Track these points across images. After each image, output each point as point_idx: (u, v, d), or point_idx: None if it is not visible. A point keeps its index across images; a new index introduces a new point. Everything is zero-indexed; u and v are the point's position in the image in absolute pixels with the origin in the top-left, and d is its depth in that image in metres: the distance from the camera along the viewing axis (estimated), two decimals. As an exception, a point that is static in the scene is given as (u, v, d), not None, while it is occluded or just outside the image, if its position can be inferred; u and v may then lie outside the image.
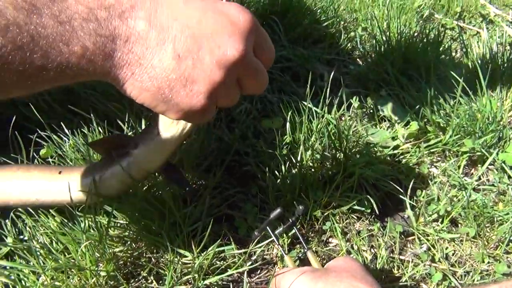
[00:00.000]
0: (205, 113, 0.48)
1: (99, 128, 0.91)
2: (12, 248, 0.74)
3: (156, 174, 0.81)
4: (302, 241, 0.74)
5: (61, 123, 0.91)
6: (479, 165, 0.99)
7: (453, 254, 0.84)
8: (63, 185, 0.72)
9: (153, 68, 0.44)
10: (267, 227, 0.76)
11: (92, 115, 0.92)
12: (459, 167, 0.97)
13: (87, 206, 0.72)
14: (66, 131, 0.90)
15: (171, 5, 0.44)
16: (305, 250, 0.72)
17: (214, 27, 0.44)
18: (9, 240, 0.74)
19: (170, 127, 0.69)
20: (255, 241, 0.79)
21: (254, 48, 0.48)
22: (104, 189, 0.73)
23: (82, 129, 0.92)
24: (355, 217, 0.88)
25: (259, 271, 0.79)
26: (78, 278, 0.70)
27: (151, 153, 0.71)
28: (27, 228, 0.76)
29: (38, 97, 0.95)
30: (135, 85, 0.44)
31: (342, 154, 0.91)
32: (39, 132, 0.89)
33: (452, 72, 1.05)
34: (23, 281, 0.70)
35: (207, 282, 0.73)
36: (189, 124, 0.69)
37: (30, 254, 0.72)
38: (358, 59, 1.33)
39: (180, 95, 0.45)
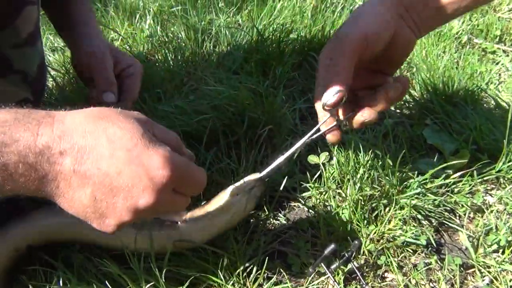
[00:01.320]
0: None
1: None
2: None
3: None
4: (359, 276, 0.73)
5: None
6: (537, 191, 0.95)
7: (518, 287, 0.80)
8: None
9: (73, 201, 0.52)
10: (322, 263, 0.75)
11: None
12: (515, 194, 0.94)
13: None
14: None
15: (97, 154, 0.50)
16: (364, 286, 0.71)
17: (131, 181, 0.50)
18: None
19: (223, 210, 0.76)
20: (310, 278, 0.79)
21: (176, 188, 0.54)
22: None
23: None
24: (411, 251, 0.86)
25: (315, 309, 0.79)
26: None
27: (199, 231, 0.77)
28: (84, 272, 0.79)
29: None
30: (60, 205, 0.53)
31: (392, 187, 0.90)
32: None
33: (499, 97, 1.03)
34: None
35: (265, 321, 0.73)
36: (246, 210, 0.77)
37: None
38: (399, 89, 1.32)
39: (94, 223, 0.54)
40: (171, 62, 1.36)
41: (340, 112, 0.76)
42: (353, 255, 0.83)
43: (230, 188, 0.76)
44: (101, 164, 0.50)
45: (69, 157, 0.49)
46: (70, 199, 0.51)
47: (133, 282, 0.73)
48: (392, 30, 0.71)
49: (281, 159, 0.75)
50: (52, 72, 1.31)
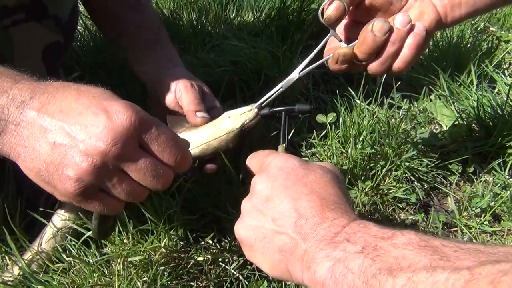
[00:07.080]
0: (93, 202, 0.53)
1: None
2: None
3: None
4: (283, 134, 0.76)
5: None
6: (525, 168, 1.02)
7: (494, 247, 0.88)
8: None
9: (34, 151, 0.50)
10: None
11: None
12: (505, 168, 1.01)
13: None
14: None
15: (63, 100, 0.51)
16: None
17: (90, 121, 0.49)
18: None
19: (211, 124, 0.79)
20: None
21: (143, 145, 0.52)
22: None
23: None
24: (401, 207, 0.94)
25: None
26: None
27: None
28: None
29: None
30: (23, 165, 0.51)
31: (391, 149, 0.98)
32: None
33: (504, 82, 1.09)
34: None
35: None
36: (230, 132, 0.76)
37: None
38: (410, 66, 1.39)
39: (54, 179, 0.50)
40: (195, 22, 1.43)
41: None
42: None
43: (225, 113, 0.78)
44: (65, 108, 0.50)
45: (38, 102, 0.50)
46: (31, 149, 0.50)
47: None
48: None
49: (273, 91, 0.74)
50: (86, 21, 1.38)
